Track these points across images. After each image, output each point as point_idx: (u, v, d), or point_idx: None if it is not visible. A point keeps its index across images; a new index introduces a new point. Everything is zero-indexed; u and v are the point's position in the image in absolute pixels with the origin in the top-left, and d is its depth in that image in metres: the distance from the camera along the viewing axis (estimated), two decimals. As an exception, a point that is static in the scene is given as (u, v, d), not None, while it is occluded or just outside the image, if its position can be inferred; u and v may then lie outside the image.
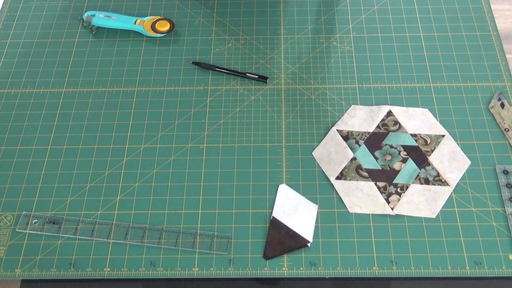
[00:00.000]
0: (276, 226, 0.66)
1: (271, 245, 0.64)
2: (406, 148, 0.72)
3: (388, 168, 0.70)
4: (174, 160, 0.72)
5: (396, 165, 0.70)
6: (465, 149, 0.71)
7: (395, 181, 0.69)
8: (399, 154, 0.71)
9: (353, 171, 0.70)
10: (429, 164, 0.70)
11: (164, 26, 0.85)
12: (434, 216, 0.66)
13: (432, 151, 0.71)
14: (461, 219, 0.66)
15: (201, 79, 0.81)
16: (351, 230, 0.65)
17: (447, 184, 0.68)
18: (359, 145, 0.72)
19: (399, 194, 0.68)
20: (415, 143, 0.72)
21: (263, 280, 0.63)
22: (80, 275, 0.63)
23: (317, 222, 0.66)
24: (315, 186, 0.69)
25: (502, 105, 0.75)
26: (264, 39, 0.85)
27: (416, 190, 0.68)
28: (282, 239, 0.65)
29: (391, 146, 0.72)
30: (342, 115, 0.75)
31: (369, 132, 0.73)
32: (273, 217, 0.66)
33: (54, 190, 0.70)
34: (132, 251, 0.65)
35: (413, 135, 0.73)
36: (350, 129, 0.74)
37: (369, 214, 0.67)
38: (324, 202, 0.68)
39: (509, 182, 0.68)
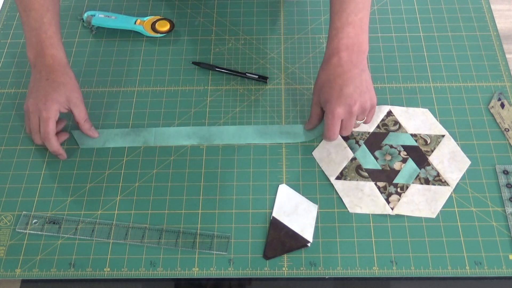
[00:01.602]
0: (276, 226, 0.66)
1: (271, 245, 0.64)
2: (406, 148, 0.72)
3: (388, 168, 0.70)
4: (174, 160, 0.72)
5: (396, 165, 0.70)
6: (465, 149, 0.71)
7: (395, 181, 0.69)
8: (399, 154, 0.71)
9: (353, 171, 0.70)
10: (429, 164, 0.70)
11: (164, 26, 0.85)
12: (434, 216, 0.66)
13: (432, 151, 0.71)
14: (461, 219, 0.66)
15: (201, 79, 0.81)
16: (351, 230, 0.65)
17: (447, 184, 0.68)
18: (359, 145, 0.72)
19: (399, 194, 0.68)
20: (415, 143, 0.72)
21: (263, 280, 0.63)
22: (80, 275, 0.63)
23: (317, 222, 0.66)
24: (315, 186, 0.69)
25: (502, 105, 0.75)
26: (264, 39, 0.85)
27: (416, 190, 0.68)
28: (282, 239, 0.64)
29: (391, 146, 0.72)
30: (342, 115, 0.75)
31: (369, 132, 0.73)
32: (273, 217, 0.66)
33: (54, 190, 0.70)
34: (132, 251, 0.65)
35: (413, 135, 0.73)
36: (350, 129, 0.74)
37: (369, 214, 0.67)
38: (324, 202, 0.68)
39: (509, 182, 0.68)
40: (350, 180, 0.69)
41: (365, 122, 0.72)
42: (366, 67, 0.69)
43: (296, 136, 0.73)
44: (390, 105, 0.76)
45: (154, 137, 0.73)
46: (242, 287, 0.63)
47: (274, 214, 0.67)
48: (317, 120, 0.72)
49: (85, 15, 0.88)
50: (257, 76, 0.80)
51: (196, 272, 0.63)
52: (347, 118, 0.67)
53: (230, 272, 0.63)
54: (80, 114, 0.71)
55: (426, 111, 0.75)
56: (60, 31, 0.72)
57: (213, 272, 0.63)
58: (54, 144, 0.69)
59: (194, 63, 0.82)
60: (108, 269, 0.63)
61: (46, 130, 0.68)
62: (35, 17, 0.69)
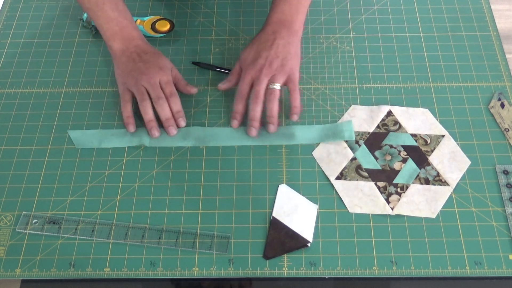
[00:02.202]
0: (276, 226, 0.66)
1: (271, 245, 0.64)
2: (406, 148, 0.72)
3: (388, 168, 0.70)
4: (174, 160, 0.72)
5: (396, 165, 0.70)
6: (465, 149, 0.71)
7: (395, 181, 0.69)
8: (399, 154, 0.71)
9: (353, 171, 0.70)
10: (429, 164, 0.70)
11: (164, 26, 0.85)
12: (434, 216, 0.66)
13: (432, 151, 0.71)
14: (461, 219, 0.66)
15: (201, 79, 0.80)
16: (351, 230, 0.65)
17: (447, 184, 0.68)
18: (359, 145, 0.72)
19: (399, 194, 0.68)
20: (415, 143, 0.72)
21: (263, 280, 0.63)
22: (80, 275, 0.63)
23: (317, 222, 0.66)
24: (315, 186, 0.69)
25: (502, 105, 0.75)
26: (264, 39, 0.85)
27: (416, 190, 0.68)
28: (282, 239, 0.64)
29: (391, 146, 0.72)
30: (342, 115, 0.75)
31: (369, 132, 0.73)
32: (273, 217, 0.66)
33: (54, 190, 0.70)
34: (132, 251, 0.65)
35: (413, 135, 0.73)
36: (350, 129, 0.74)
37: (369, 214, 0.67)
38: (324, 202, 0.68)
39: (509, 182, 0.68)
40: (350, 180, 0.69)
41: (290, 91, 0.71)
42: (294, 43, 0.72)
43: (292, 138, 0.73)
44: (390, 105, 0.76)
45: (149, 137, 0.73)
46: (242, 287, 0.63)
47: (274, 214, 0.67)
48: (235, 78, 0.74)
49: (85, 15, 0.88)
50: (257, 76, 0.80)
51: (196, 272, 0.63)
52: (256, 76, 0.70)
53: (230, 272, 0.63)
54: (179, 74, 0.76)
55: (426, 111, 0.75)
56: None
57: (213, 272, 0.63)
58: (178, 102, 0.73)
59: (194, 63, 0.82)
60: (108, 269, 0.63)
61: (172, 90, 0.73)
62: (111, 7, 0.73)
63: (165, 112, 0.72)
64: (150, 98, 0.72)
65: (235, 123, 0.72)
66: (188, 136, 0.73)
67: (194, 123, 0.75)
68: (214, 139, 0.73)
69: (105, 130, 0.74)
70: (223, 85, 0.76)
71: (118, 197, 0.69)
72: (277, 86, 0.70)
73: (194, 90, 0.76)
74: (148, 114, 0.71)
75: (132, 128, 0.73)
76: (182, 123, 0.73)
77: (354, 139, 0.72)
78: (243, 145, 0.73)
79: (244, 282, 0.63)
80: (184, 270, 0.63)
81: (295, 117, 0.72)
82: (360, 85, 0.79)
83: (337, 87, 0.79)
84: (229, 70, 0.80)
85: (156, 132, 0.72)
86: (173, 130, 0.72)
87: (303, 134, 0.73)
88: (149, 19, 0.87)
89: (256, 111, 0.70)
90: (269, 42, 0.71)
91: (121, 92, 0.74)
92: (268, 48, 0.71)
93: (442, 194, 0.68)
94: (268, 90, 0.70)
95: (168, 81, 0.73)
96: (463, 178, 0.69)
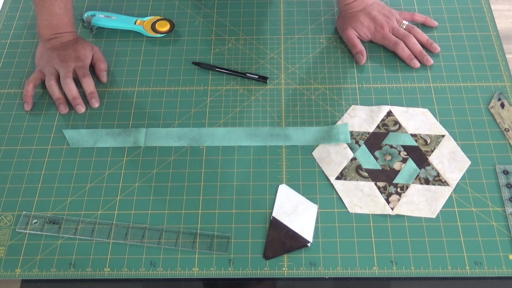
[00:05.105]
0: (276, 226, 0.66)
1: (271, 245, 0.64)
2: (406, 148, 0.72)
3: (388, 168, 0.70)
4: (174, 160, 0.72)
5: (396, 165, 0.70)
6: (465, 149, 0.71)
7: (395, 181, 0.69)
8: (399, 154, 0.71)
9: (353, 171, 0.70)
10: (429, 164, 0.70)
11: (164, 26, 0.85)
12: (434, 216, 0.66)
13: (432, 151, 0.71)
14: (461, 219, 0.66)
15: (201, 79, 0.81)
16: (351, 230, 0.65)
17: (447, 184, 0.68)
18: (359, 145, 0.72)
19: (399, 194, 0.68)
20: (415, 143, 0.72)
21: (263, 280, 0.63)
22: (80, 275, 0.63)
23: (317, 222, 0.66)
24: (315, 186, 0.69)
25: (502, 105, 0.75)
26: (264, 39, 0.85)
27: (416, 190, 0.68)
28: (282, 239, 0.64)
29: (391, 146, 0.72)
30: (342, 115, 0.75)
31: (369, 132, 0.73)
32: (273, 217, 0.66)
33: (54, 190, 0.70)
34: (132, 251, 0.65)
35: (413, 135, 0.73)
36: (350, 129, 0.74)
37: (369, 214, 0.67)
38: (324, 202, 0.68)
39: (509, 182, 0.68)
40: (350, 180, 0.69)
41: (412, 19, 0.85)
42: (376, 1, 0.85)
43: (287, 139, 0.73)
44: (390, 105, 0.76)
45: (144, 137, 0.73)
46: (242, 287, 0.63)
47: (274, 214, 0.67)
48: (362, 48, 0.81)
49: (85, 15, 0.88)
50: (257, 76, 0.80)
51: (196, 272, 0.63)
52: (390, 27, 0.82)
53: (230, 272, 0.63)
54: (101, 56, 0.82)
55: (426, 111, 0.75)
56: None
57: (213, 272, 0.63)
58: (92, 83, 0.78)
59: (194, 63, 0.82)
60: (108, 269, 0.63)
61: (85, 72, 0.78)
62: (60, 5, 0.78)
63: (71, 92, 0.76)
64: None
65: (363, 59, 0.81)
66: (183, 136, 0.73)
67: (194, 123, 0.75)
68: (209, 139, 0.73)
69: (100, 130, 0.75)
70: (363, 60, 0.80)
71: (118, 197, 0.69)
72: (406, 22, 0.84)
73: (103, 80, 0.80)
74: (54, 93, 0.77)
75: (26, 107, 0.77)
76: (95, 104, 0.77)
77: (349, 141, 0.72)
78: (243, 145, 0.73)
79: (243, 282, 0.63)
80: (184, 270, 0.63)
81: (438, 48, 0.81)
82: (360, 85, 0.79)
83: (337, 87, 0.79)
84: (229, 70, 0.80)
85: (63, 109, 0.76)
86: (81, 108, 0.76)
87: (298, 136, 0.73)
88: (149, 19, 0.87)
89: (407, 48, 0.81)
90: (368, 6, 0.83)
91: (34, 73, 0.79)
92: (372, 8, 0.83)
93: (442, 194, 0.68)
94: (407, 28, 0.83)
95: (81, 66, 0.78)
96: (463, 178, 0.69)
